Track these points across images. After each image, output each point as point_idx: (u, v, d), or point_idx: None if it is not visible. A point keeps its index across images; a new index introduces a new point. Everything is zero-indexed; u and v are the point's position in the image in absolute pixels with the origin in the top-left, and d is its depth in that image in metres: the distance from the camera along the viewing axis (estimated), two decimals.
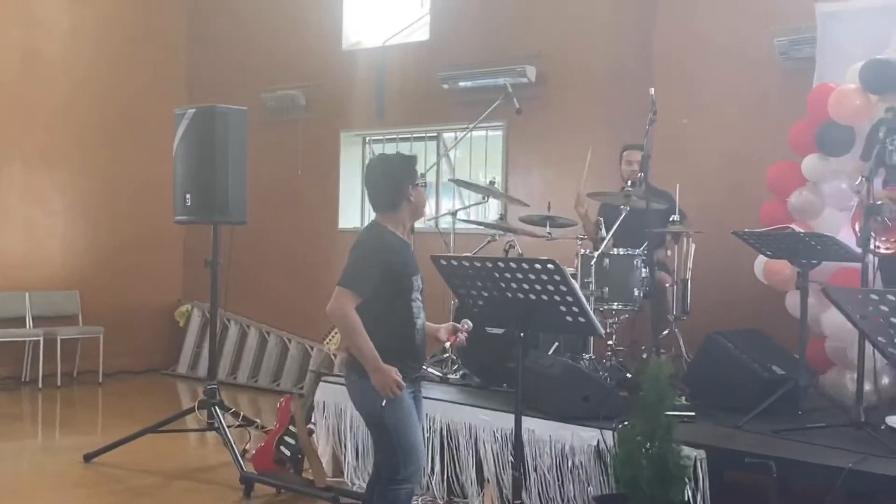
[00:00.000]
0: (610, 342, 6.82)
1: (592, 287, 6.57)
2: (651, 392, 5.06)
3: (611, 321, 6.83)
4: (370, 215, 10.62)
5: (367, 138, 10.65)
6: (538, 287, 3.91)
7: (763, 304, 7.02)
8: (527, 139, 8.99)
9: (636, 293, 6.69)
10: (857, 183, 5.42)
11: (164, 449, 7.59)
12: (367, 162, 5.00)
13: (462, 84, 9.41)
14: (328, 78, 10.54)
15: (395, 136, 10.36)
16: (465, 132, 7.38)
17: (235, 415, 7.57)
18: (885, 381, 6.45)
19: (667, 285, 6.98)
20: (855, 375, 6.31)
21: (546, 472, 5.85)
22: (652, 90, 6.37)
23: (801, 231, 5.89)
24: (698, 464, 5.18)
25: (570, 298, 3.88)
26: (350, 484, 6.70)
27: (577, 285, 3.86)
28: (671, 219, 6.89)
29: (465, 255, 4.13)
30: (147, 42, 11.51)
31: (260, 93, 10.81)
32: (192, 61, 11.85)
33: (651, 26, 8.36)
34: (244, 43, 11.25)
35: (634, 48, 8.47)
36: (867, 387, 6.30)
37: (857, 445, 5.14)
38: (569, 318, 3.95)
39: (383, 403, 4.45)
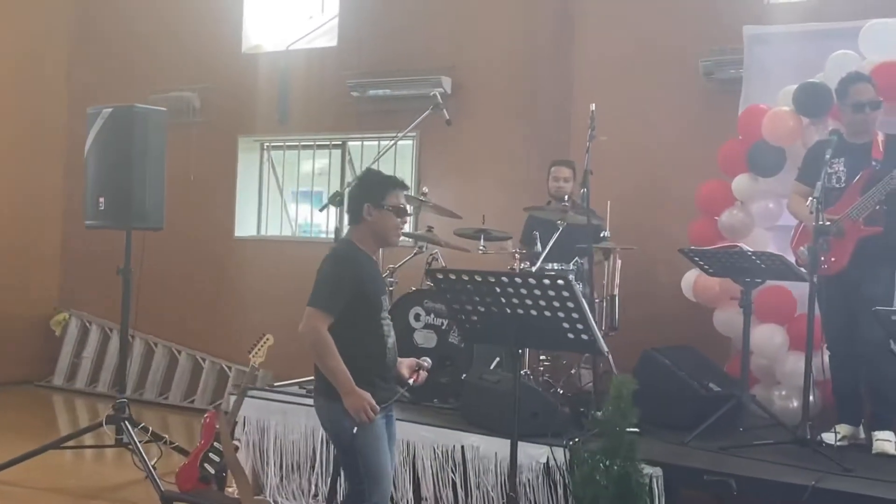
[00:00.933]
0: (542, 357, 6.78)
1: None
2: (613, 410, 5.03)
3: None
4: (267, 224, 10.46)
5: (266, 144, 10.35)
6: (542, 303, 3.82)
7: (689, 321, 7.10)
8: (439, 150, 8.89)
9: None
10: (808, 204, 5.49)
11: (62, 467, 7.18)
12: None
13: (372, 93, 9.23)
14: (226, 81, 10.19)
15: (296, 144, 10.10)
16: (392, 142, 7.21)
17: (144, 430, 7.20)
18: (811, 398, 6.59)
19: (596, 301, 6.98)
20: (783, 392, 6.48)
21: (490, 490, 5.76)
22: (593, 106, 6.36)
23: (751, 250, 5.95)
24: (654, 482, 5.17)
25: (575, 315, 3.80)
26: (273, 502, 6.47)
27: (585, 302, 3.76)
28: (602, 234, 6.91)
29: (466, 269, 3.98)
30: (27, 37, 10.87)
31: (149, 94, 10.36)
32: (74, 59, 11.25)
33: (569, 43, 8.38)
34: (132, 41, 10.77)
35: (552, 64, 8.48)
36: (795, 403, 6.45)
37: (810, 463, 5.24)
38: (570, 336, 3.87)
39: (354, 430, 4.27)
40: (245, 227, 10.33)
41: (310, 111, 9.76)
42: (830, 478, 4.95)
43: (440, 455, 5.94)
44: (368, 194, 4.50)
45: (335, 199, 7.05)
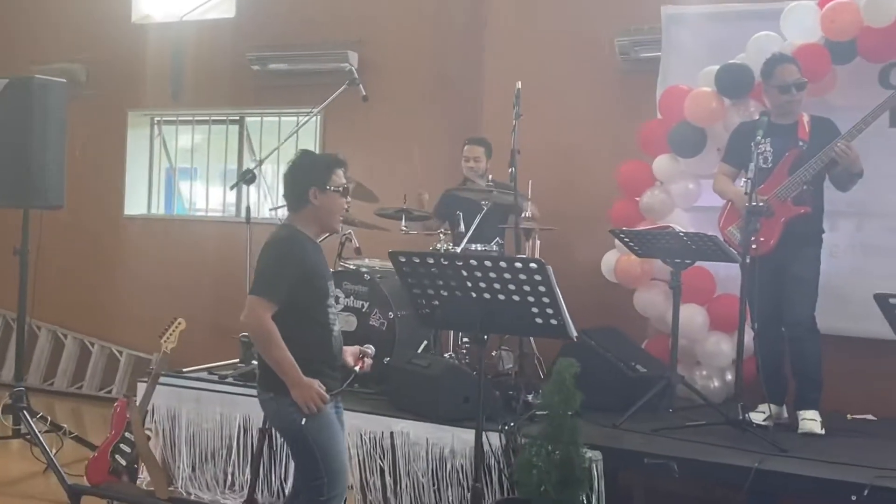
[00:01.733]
0: (465, 340, 6.66)
1: None
2: (556, 394, 4.93)
3: None
4: (160, 201, 10.04)
5: (157, 119, 9.93)
6: (512, 287, 3.69)
7: (608, 302, 7.06)
8: (345, 128, 8.65)
9: None
10: (742, 184, 5.51)
11: None
12: None
13: (273, 67, 8.93)
14: (114, 52, 9.72)
15: (190, 119, 9.71)
16: (308, 117, 6.98)
17: (43, 420, 6.81)
18: (729, 377, 6.66)
19: None
20: (704, 372, 6.51)
21: (420, 476, 5.62)
22: (518, 84, 6.23)
23: (683, 231, 5.93)
24: (594, 466, 5.10)
25: (546, 300, 3.68)
26: (185, 493, 6.19)
27: (557, 287, 3.64)
28: (524, 214, 6.81)
29: (430, 252, 3.82)
30: None
31: (29, 65, 9.80)
32: None
33: (482, 20, 8.24)
34: (11, 7, 10.18)
35: (463, 41, 8.34)
36: (717, 383, 6.49)
37: (745, 444, 5.25)
38: (539, 321, 3.76)
39: (303, 422, 4.09)
40: (135, 205, 9.90)
41: (205, 85, 9.41)
42: (769, 459, 4.96)
43: (367, 442, 5.77)
44: (313, 177, 4.28)
45: (246, 177, 6.81)
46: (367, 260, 7.04)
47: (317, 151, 8.66)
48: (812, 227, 5.86)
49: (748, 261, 5.48)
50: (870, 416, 6.31)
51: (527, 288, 3.66)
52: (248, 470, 6.17)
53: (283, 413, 4.16)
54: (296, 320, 4.12)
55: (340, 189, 4.28)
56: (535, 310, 3.72)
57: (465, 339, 6.66)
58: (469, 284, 3.75)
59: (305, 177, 4.29)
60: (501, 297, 3.72)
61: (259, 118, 9.43)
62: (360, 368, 4.43)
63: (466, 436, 5.51)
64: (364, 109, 8.01)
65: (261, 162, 7.16)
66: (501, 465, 5.40)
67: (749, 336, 6.53)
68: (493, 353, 6.94)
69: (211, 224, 9.53)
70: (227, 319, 8.35)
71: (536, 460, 4.96)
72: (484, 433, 5.29)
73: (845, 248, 6.39)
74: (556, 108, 7.59)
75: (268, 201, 9.37)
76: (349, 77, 7.07)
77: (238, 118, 9.54)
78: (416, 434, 5.66)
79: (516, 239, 6.23)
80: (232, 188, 7.11)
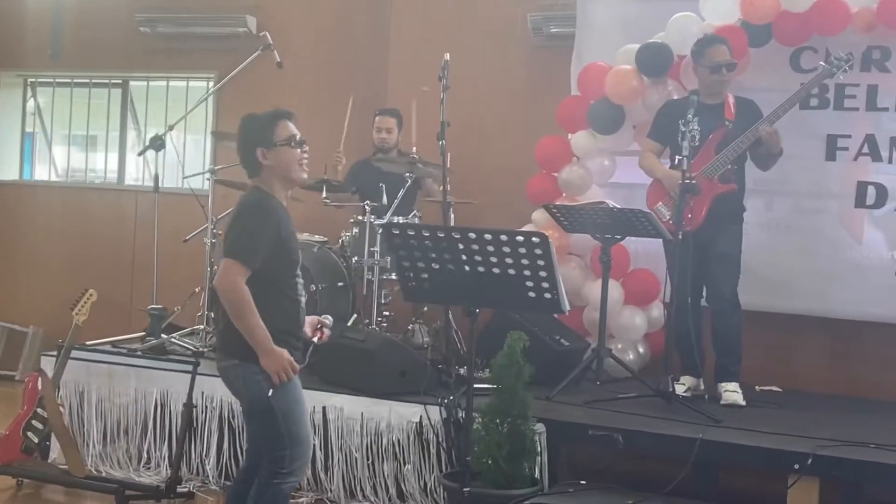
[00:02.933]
0: (386, 313, 6.60)
1: (377, 257, 6.30)
2: (507, 368, 4.94)
3: (387, 292, 6.64)
4: (35, 167, 9.52)
5: (32, 80, 9.41)
6: (509, 261, 3.66)
7: None
8: (242, 96, 8.32)
9: None
10: (677, 162, 5.61)
11: None
12: None
13: (163, 29, 8.59)
14: None
15: (69, 81, 9.24)
16: (220, 82, 6.73)
17: None
18: (641, 349, 6.81)
19: None
20: (619, 345, 6.64)
21: (354, 451, 5.55)
22: (447, 55, 6.15)
23: (617, 207, 6.01)
24: (538, 438, 5.13)
25: (543, 273, 3.66)
26: (94, 471, 5.94)
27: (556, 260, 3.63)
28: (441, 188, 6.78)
29: (427, 224, 3.75)
30: None
31: None
32: None
33: None
34: None
35: (368, 11, 8.21)
36: (631, 356, 6.64)
37: (678, 415, 5.37)
38: (532, 294, 3.75)
39: (270, 393, 3.97)
40: (6, 170, 9.38)
41: (88, 46, 8.95)
42: (709, 430, 5.09)
43: None
44: (256, 138, 4.13)
45: (155, 143, 6.56)
46: None
47: (205, 118, 8.42)
48: (735, 205, 6.04)
49: (681, 237, 5.58)
50: (775, 388, 6.55)
51: (525, 261, 3.64)
52: (164, 447, 5.98)
53: (249, 381, 4.02)
54: (266, 288, 3.99)
55: (289, 141, 4.12)
56: (529, 283, 3.70)
57: (387, 313, 6.62)
58: (464, 258, 3.70)
59: (250, 139, 4.14)
60: (496, 270, 3.69)
61: (145, 82, 9.05)
62: (320, 339, 4.31)
63: (403, 410, 5.48)
64: (261, 76, 7.81)
65: (170, 128, 6.86)
66: (440, 439, 5.38)
67: (658, 310, 6.76)
68: (409, 327, 6.91)
69: (93, 191, 9.11)
70: (119, 292, 8.11)
71: (486, 433, 4.98)
72: (425, 407, 5.40)
73: (755, 225, 6.56)
74: (469, 84, 7.50)
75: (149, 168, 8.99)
76: (263, 42, 6.84)
77: (121, 81, 9.12)
78: (351, 409, 5.58)
79: (444, 211, 6.17)
80: (140, 155, 6.82)
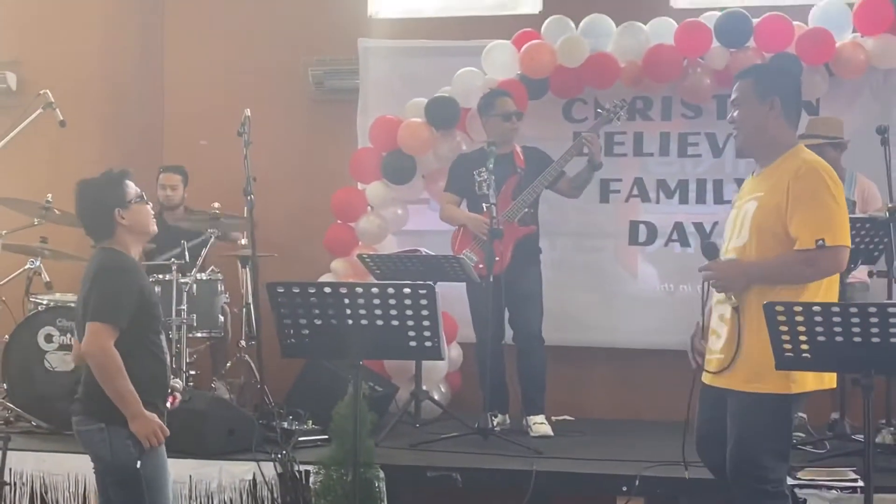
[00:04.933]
0: (192, 372, 6.52)
1: (184, 315, 6.24)
2: (348, 418, 5.04)
3: (192, 350, 6.57)
4: None
5: None
6: (394, 312, 3.79)
7: None
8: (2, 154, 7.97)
9: (220, 319, 6.54)
10: (486, 209, 5.92)
11: None
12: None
13: None
14: None
15: None
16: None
17: None
18: (443, 389, 7.06)
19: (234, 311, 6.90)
20: (424, 386, 6.85)
21: None
22: (247, 111, 6.21)
23: (432, 254, 6.23)
24: (380, 484, 5.25)
25: (426, 322, 3.82)
26: None
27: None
28: (241, 241, 6.83)
29: (312, 282, 3.83)
30: None
31: None
32: None
33: (159, 45, 8.05)
34: None
35: (139, 64, 8.07)
36: (436, 396, 6.88)
37: (501, 449, 5.65)
38: (413, 343, 3.88)
39: (138, 464, 3.91)
40: None
41: None
42: (538, 461, 5.39)
43: None
44: (110, 200, 4.09)
45: None
46: (58, 295, 6.59)
47: None
48: (534, 247, 6.43)
49: (491, 279, 5.89)
50: (568, 417, 6.95)
51: (409, 312, 3.77)
52: None
53: (117, 446, 3.93)
54: (132, 348, 3.94)
55: (139, 198, 4.16)
56: (412, 333, 3.83)
57: (194, 372, 6.53)
58: (348, 311, 3.79)
59: (103, 203, 4.10)
60: (380, 322, 3.80)
61: None
62: (172, 404, 4.27)
63: (234, 469, 5.44)
64: (26, 132, 7.47)
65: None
66: (275, 496, 5.37)
67: (456, 350, 7.05)
68: (213, 384, 6.84)
69: None
70: None
71: (331, 484, 5.05)
72: (258, 463, 5.39)
73: (542, 263, 6.96)
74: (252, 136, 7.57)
75: None
76: (43, 101, 6.59)
77: None
78: (178, 472, 5.39)
79: (253, 265, 6.18)
80: None
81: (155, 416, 3.94)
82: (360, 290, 3.75)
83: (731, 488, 4.04)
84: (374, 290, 3.75)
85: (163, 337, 4.14)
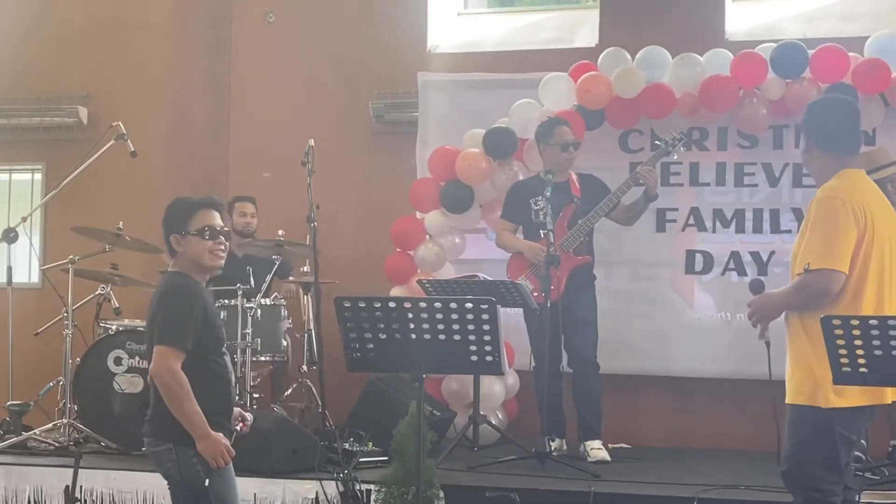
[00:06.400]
0: (256, 395, 6.67)
1: (249, 339, 6.42)
2: (409, 437, 5.15)
3: (255, 374, 6.73)
4: None
5: None
6: (456, 327, 3.90)
7: None
8: (74, 187, 8.22)
9: (283, 343, 6.71)
10: (544, 236, 6.02)
11: None
12: None
13: None
14: None
15: None
16: (71, 175, 6.69)
17: None
18: (500, 415, 7.14)
19: (297, 336, 7.06)
20: (482, 412, 6.93)
21: None
22: (311, 141, 6.39)
23: (490, 279, 6.34)
24: None
25: (487, 338, 3.92)
26: None
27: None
28: (303, 269, 7.00)
29: (377, 297, 3.96)
30: None
31: None
32: None
33: (226, 79, 8.29)
34: None
35: (205, 97, 8.31)
36: (493, 421, 6.95)
37: (559, 472, 5.72)
38: (474, 358, 3.98)
39: (206, 482, 3.99)
40: None
41: None
42: (595, 483, 5.45)
43: None
44: (170, 225, 4.19)
45: (9, 236, 6.47)
46: (126, 321, 6.78)
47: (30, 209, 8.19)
48: (589, 275, 6.51)
49: (549, 305, 5.98)
50: (625, 444, 7.00)
51: (471, 327, 3.88)
52: None
53: (185, 466, 4.01)
54: (200, 370, 4.02)
55: (202, 231, 4.13)
56: (473, 347, 3.93)
57: (258, 395, 6.68)
58: (412, 326, 3.90)
59: (167, 225, 4.20)
60: (442, 336, 3.91)
61: None
62: (242, 429, 4.33)
63: (297, 487, 5.57)
64: (96, 165, 7.72)
65: (24, 219, 6.71)
66: None
67: (514, 377, 7.13)
68: (275, 408, 6.98)
69: None
70: None
71: (394, 502, 5.15)
72: (321, 482, 5.51)
73: (597, 292, 7.04)
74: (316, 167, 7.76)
75: None
76: (116, 132, 6.84)
77: None
78: (243, 490, 5.48)
79: (316, 291, 6.33)
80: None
81: (221, 437, 4.01)
82: (423, 304, 3.87)
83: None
84: (437, 304, 3.86)
85: (227, 358, 4.23)
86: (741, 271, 7.12)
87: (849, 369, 3.54)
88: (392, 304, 3.89)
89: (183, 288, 4.12)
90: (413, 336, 3.94)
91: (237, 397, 4.45)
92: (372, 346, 4.01)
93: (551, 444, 6.19)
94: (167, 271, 4.29)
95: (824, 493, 3.94)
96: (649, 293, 7.27)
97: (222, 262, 4.26)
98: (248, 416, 4.41)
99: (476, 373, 5.98)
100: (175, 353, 3.94)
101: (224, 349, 4.22)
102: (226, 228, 4.23)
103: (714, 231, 7.21)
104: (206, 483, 3.98)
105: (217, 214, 4.24)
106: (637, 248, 7.23)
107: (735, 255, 7.15)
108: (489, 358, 3.98)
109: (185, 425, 3.95)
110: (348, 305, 3.92)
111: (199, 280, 4.23)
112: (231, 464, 4.12)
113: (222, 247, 4.21)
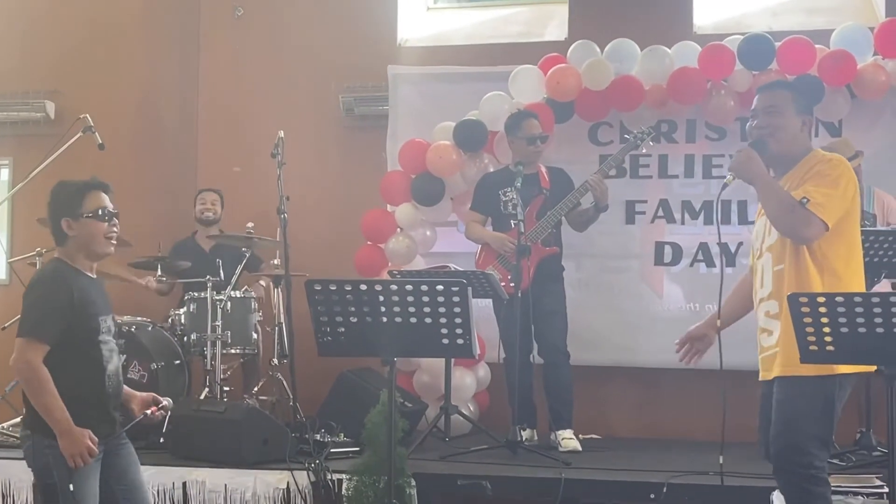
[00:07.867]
0: (227, 388, 6.64)
1: (219, 331, 6.39)
2: (380, 426, 5.15)
3: (226, 367, 6.69)
4: None
5: None
6: (427, 309, 3.90)
7: None
8: (40, 178, 8.17)
9: (254, 336, 6.70)
10: (514, 226, 6.04)
11: None
12: None
13: None
14: None
15: None
16: (43, 164, 6.61)
17: None
18: (472, 407, 7.15)
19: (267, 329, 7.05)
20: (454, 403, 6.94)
21: None
22: (281, 133, 6.36)
23: (461, 269, 6.35)
24: (411, 492, 5.33)
25: (458, 320, 3.92)
26: None
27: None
28: (273, 262, 6.99)
29: (349, 279, 3.95)
30: None
31: None
32: None
33: (194, 73, 8.27)
34: None
35: (175, 92, 8.29)
36: (465, 413, 6.96)
37: (531, 461, 5.73)
38: (445, 341, 3.98)
39: (71, 487, 3.84)
40: None
41: None
42: (566, 470, 5.46)
43: (155, 496, 5.55)
44: (63, 208, 4.06)
45: None
46: None
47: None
48: (557, 266, 6.54)
49: (519, 296, 6.00)
50: (595, 435, 7.03)
51: (442, 309, 3.88)
52: None
53: (38, 456, 3.93)
54: (66, 358, 3.91)
55: (96, 213, 4.05)
56: (444, 330, 3.93)
57: (227, 388, 6.65)
58: (383, 309, 3.90)
59: (56, 209, 4.07)
60: (413, 319, 3.91)
61: None
62: (154, 413, 4.16)
63: (269, 478, 5.53)
64: (63, 160, 7.67)
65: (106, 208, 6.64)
66: (308, 503, 5.47)
67: (484, 370, 7.15)
68: (247, 401, 6.96)
69: None
70: None
71: (363, 492, 5.15)
72: (292, 472, 5.49)
73: (566, 285, 7.05)
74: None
75: None
76: (84, 125, 6.79)
77: None
78: (214, 481, 5.55)
79: (287, 284, 6.30)
80: None
81: (87, 434, 3.87)
82: (394, 287, 3.86)
83: (774, 475, 4.04)
84: (409, 287, 3.86)
85: (105, 345, 4.05)
86: (710, 262, 7.16)
87: (816, 347, 3.55)
88: (363, 287, 3.89)
89: (51, 277, 4.01)
90: (384, 319, 3.94)
91: (122, 385, 4.22)
92: (343, 329, 4.00)
93: (522, 433, 6.22)
94: (52, 258, 4.17)
95: (818, 469, 3.85)
96: (619, 285, 7.31)
97: (113, 248, 4.15)
98: (166, 400, 4.24)
99: (447, 356, 5.98)
100: (34, 345, 3.86)
101: (98, 339, 4.03)
102: (116, 211, 4.13)
103: (683, 223, 7.25)
104: (71, 488, 3.83)
105: (106, 197, 4.14)
106: (606, 240, 7.25)
107: (704, 247, 7.19)
108: (460, 341, 3.98)
109: (45, 419, 3.86)
110: (319, 289, 3.92)
111: (84, 267, 4.10)
112: (97, 466, 3.98)
113: (116, 230, 4.13)
